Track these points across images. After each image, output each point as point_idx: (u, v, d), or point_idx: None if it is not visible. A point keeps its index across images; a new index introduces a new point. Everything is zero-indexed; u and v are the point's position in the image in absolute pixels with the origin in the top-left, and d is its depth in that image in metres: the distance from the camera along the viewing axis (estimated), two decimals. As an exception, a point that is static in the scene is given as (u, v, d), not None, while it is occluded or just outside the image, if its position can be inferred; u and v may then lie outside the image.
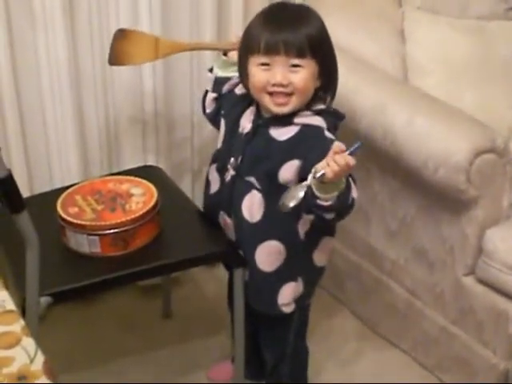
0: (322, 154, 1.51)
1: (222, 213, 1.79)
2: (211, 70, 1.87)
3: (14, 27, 2.00)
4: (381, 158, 2.04)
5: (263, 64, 1.61)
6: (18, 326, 1.10)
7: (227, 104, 1.80)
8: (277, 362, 1.93)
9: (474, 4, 2.40)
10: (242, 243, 1.76)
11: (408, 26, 2.31)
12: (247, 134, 1.70)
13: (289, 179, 1.63)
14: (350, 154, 1.47)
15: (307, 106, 1.66)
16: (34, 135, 2.14)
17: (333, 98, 1.72)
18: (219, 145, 1.80)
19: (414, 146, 1.88)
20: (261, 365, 2.00)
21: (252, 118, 1.71)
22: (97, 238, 1.71)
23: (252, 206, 1.69)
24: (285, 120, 1.66)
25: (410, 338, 2.19)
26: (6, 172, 1.40)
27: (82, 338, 2.25)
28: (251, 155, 1.69)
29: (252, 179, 1.69)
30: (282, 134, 1.66)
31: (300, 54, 1.59)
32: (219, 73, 1.84)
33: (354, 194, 1.57)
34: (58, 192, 1.85)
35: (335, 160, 1.45)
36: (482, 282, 1.92)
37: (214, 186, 1.81)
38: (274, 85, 1.61)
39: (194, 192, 2.38)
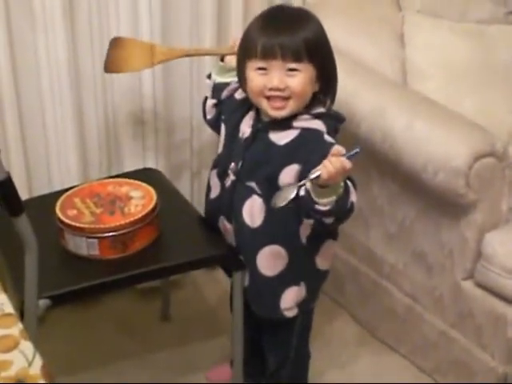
0: (321, 158, 1.51)
1: (222, 218, 1.79)
2: (209, 77, 1.87)
3: (14, 28, 2.00)
4: (380, 162, 2.04)
5: (260, 68, 1.61)
6: (16, 329, 1.10)
7: (227, 109, 1.80)
8: (279, 366, 1.93)
9: (473, 8, 2.40)
10: (243, 248, 1.76)
11: (408, 30, 2.31)
12: (247, 138, 1.70)
13: (289, 183, 1.63)
14: (348, 158, 1.47)
15: (306, 110, 1.66)
16: (33, 137, 2.14)
17: (332, 101, 1.72)
18: (220, 150, 1.80)
19: (414, 150, 1.88)
20: (260, 366, 2.00)
21: (251, 122, 1.71)
22: (96, 240, 1.71)
23: (253, 211, 1.69)
24: (284, 124, 1.66)
25: (409, 341, 2.19)
26: (5, 174, 1.39)
27: (81, 341, 2.25)
28: (251, 160, 1.69)
29: (252, 184, 1.68)
30: (281, 138, 1.66)
31: (296, 58, 1.59)
32: (217, 79, 1.84)
33: (353, 198, 1.57)
34: (57, 194, 1.85)
35: (331, 162, 1.45)
36: (480, 285, 1.92)
37: (215, 191, 1.81)
38: (270, 89, 1.61)
39: (193, 195, 2.38)
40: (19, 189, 1.47)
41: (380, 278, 2.22)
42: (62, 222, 1.74)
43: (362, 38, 2.29)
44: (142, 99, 2.18)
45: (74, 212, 1.76)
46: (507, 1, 2.47)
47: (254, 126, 1.70)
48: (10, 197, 1.44)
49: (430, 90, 2.16)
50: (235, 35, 1.89)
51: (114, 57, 1.89)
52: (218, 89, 1.84)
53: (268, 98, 1.62)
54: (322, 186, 1.49)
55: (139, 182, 1.87)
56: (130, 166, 2.19)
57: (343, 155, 1.47)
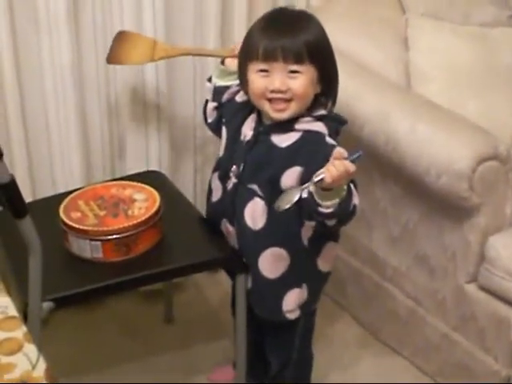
0: (323, 160, 1.52)
1: (224, 220, 1.79)
2: (210, 80, 1.87)
3: (18, 30, 2.00)
4: (383, 165, 2.04)
5: (262, 70, 1.61)
6: (20, 332, 1.10)
7: (228, 112, 1.81)
8: (281, 368, 1.93)
9: (477, 11, 2.40)
10: (246, 251, 1.76)
11: (411, 33, 2.31)
12: (249, 141, 1.70)
13: (291, 186, 1.63)
14: (351, 161, 1.47)
15: (308, 112, 1.67)
16: (36, 139, 2.14)
17: (334, 103, 1.72)
18: (221, 153, 1.80)
19: (417, 153, 1.88)
20: (263, 368, 2.00)
21: (253, 125, 1.71)
22: (99, 243, 1.71)
23: (254, 214, 1.69)
24: (286, 126, 1.66)
25: (411, 344, 2.19)
26: (9, 177, 1.40)
27: (84, 343, 2.25)
28: (253, 162, 1.69)
29: (254, 186, 1.69)
30: (283, 140, 1.66)
31: (298, 61, 1.59)
32: (218, 82, 1.84)
33: (356, 200, 1.57)
34: (61, 197, 1.85)
35: (334, 165, 1.45)
36: (484, 289, 1.92)
37: (216, 194, 1.81)
38: (272, 91, 1.61)
39: (196, 198, 2.38)
40: (23, 191, 1.47)
41: (383, 280, 2.22)
42: (65, 224, 1.74)
43: (365, 40, 2.29)
44: (145, 101, 2.18)
45: (78, 214, 1.76)
46: (510, 4, 2.47)
47: (255, 129, 1.70)
48: (14, 199, 1.44)
49: (433, 93, 2.16)
50: (237, 39, 1.89)
51: (117, 49, 1.94)
52: (218, 92, 1.84)
53: (270, 100, 1.63)
54: (325, 188, 1.49)
55: (142, 185, 1.87)
56: (133, 170, 2.19)
57: (346, 158, 1.47)
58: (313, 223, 1.64)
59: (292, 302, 1.76)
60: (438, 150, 1.85)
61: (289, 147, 1.65)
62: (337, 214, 1.54)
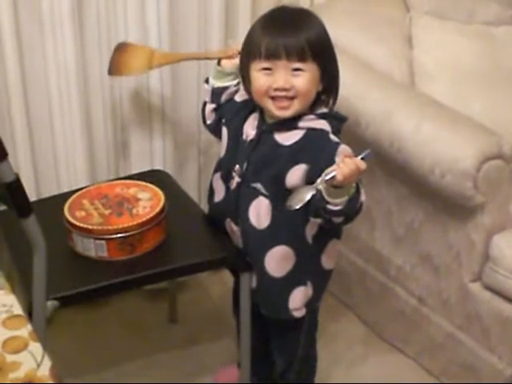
0: (328, 158, 1.54)
1: (228, 220, 1.79)
2: (207, 81, 1.87)
3: (23, 32, 2.00)
4: (387, 164, 2.04)
5: (265, 69, 1.61)
6: (25, 330, 1.10)
7: (228, 112, 1.81)
8: (287, 367, 1.93)
9: (481, 9, 2.40)
10: (251, 250, 1.76)
11: (415, 32, 2.31)
12: (252, 140, 1.70)
13: (296, 184, 1.63)
14: (361, 159, 1.48)
15: (310, 110, 1.67)
16: (41, 139, 2.15)
17: (335, 101, 1.72)
18: (222, 153, 1.80)
19: (421, 152, 1.88)
20: (267, 368, 2.00)
21: (256, 124, 1.71)
22: (104, 242, 1.72)
23: (259, 213, 1.69)
24: (289, 124, 1.66)
25: (415, 343, 2.19)
26: (14, 176, 1.40)
27: (88, 342, 2.25)
28: (257, 161, 1.69)
29: (258, 185, 1.69)
30: (287, 138, 1.66)
31: (301, 58, 1.59)
32: (216, 83, 1.83)
33: (363, 197, 1.58)
34: (65, 196, 1.85)
35: (346, 163, 1.46)
36: (488, 288, 1.92)
37: (219, 195, 1.81)
38: (276, 89, 1.61)
39: (200, 196, 2.38)
40: (28, 190, 1.48)
41: (387, 279, 2.22)
42: (70, 223, 1.74)
43: (369, 39, 2.29)
44: (149, 101, 2.19)
45: (83, 213, 1.76)
46: (515, 2, 2.47)
47: (258, 128, 1.70)
48: (18, 198, 1.44)
49: (437, 92, 2.16)
50: (242, 39, 1.89)
51: (116, 61, 1.98)
52: (216, 93, 1.84)
53: (273, 98, 1.63)
54: (335, 186, 1.50)
55: (147, 184, 1.88)
56: (137, 169, 2.20)
57: (356, 156, 1.48)
58: (319, 220, 1.65)
59: (298, 299, 1.76)
60: (443, 148, 1.85)
61: (293, 145, 1.65)
62: (345, 211, 1.55)
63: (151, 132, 2.23)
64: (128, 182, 1.92)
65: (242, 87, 1.79)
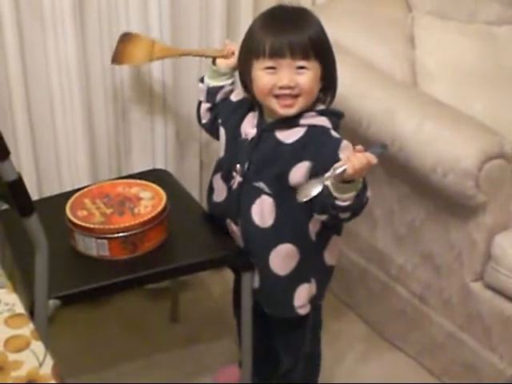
0: (332, 154, 1.56)
1: (228, 221, 1.80)
2: (202, 81, 1.87)
3: (24, 28, 2.00)
4: (389, 163, 2.04)
5: (269, 68, 1.61)
6: (27, 329, 1.11)
7: (224, 112, 1.81)
8: (293, 366, 1.93)
9: (482, 9, 2.40)
10: (254, 249, 1.76)
11: (417, 31, 2.31)
12: (253, 139, 1.70)
13: (299, 181, 1.63)
14: (372, 153, 1.50)
15: (311, 107, 1.67)
16: (43, 138, 2.15)
17: (333, 98, 1.72)
18: (221, 153, 1.80)
19: (423, 152, 1.88)
20: (269, 367, 2.00)
21: (255, 122, 1.71)
22: (105, 241, 1.72)
23: (263, 212, 1.69)
24: (290, 122, 1.66)
25: (417, 343, 2.19)
26: (16, 175, 1.40)
27: (90, 341, 2.25)
28: (258, 160, 1.69)
29: (261, 184, 1.69)
30: (288, 136, 1.66)
31: (305, 56, 1.60)
32: (211, 83, 1.84)
33: (369, 192, 1.59)
34: (67, 195, 1.85)
35: (357, 157, 1.47)
36: (490, 287, 1.92)
37: (220, 195, 1.81)
38: (281, 87, 1.61)
39: (202, 196, 2.38)
40: (30, 189, 1.48)
41: (388, 278, 2.22)
42: (71, 222, 1.74)
43: (371, 39, 2.29)
44: (151, 100, 2.19)
45: (84, 213, 1.76)
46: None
47: (259, 126, 1.70)
48: (20, 197, 1.45)
49: (439, 92, 2.16)
50: (226, 39, 1.90)
51: (119, 50, 2.00)
52: (212, 93, 1.84)
53: (277, 96, 1.63)
54: (343, 181, 1.51)
55: (149, 183, 1.88)
56: (139, 168, 2.20)
57: (367, 151, 1.49)
58: (324, 217, 1.65)
59: (303, 297, 1.77)
60: (444, 148, 1.85)
61: (295, 143, 1.65)
62: (353, 206, 1.56)
63: (153, 131, 2.23)
64: (130, 181, 1.92)
65: (237, 86, 1.80)
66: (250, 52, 1.65)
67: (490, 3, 2.41)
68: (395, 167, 2.03)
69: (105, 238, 1.72)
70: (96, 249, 1.73)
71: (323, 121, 1.66)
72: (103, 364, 2.17)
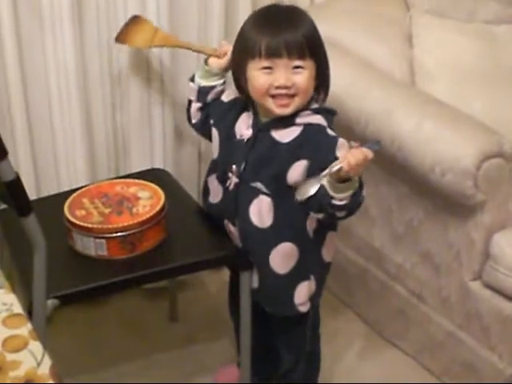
0: (329, 152, 1.57)
1: (226, 222, 1.80)
2: (192, 80, 1.86)
3: (22, 28, 2.00)
4: (388, 163, 2.04)
5: (265, 68, 1.61)
6: (25, 329, 1.10)
7: (216, 112, 1.81)
8: (294, 365, 1.93)
9: (481, 8, 2.39)
10: (253, 249, 1.76)
11: (416, 30, 2.31)
12: (249, 139, 1.70)
13: (297, 180, 1.64)
14: (368, 149, 1.50)
15: (305, 106, 1.67)
16: (41, 137, 2.14)
17: (326, 95, 1.72)
18: (215, 154, 1.80)
19: (422, 151, 1.88)
20: (268, 367, 2.00)
21: (250, 123, 1.71)
22: (104, 241, 1.72)
23: (261, 212, 1.69)
24: (286, 121, 1.66)
25: (416, 342, 2.18)
26: (14, 175, 1.40)
27: (88, 341, 2.25)
28: (255, 160, 1.69)
29: (258, 184, 1.69)
30: (285, 135, 1.66)
31: (301, 56, 1.60)
32: (202, 82, 1.83)
33: (364, 191, 1.59)
34: (65, 195, 1.86)
35: (353, 154, 1.47)
36: (488, 286, 1.92)
37: (216, 196, 1.81)
38: (277, 87, 1.61)
39: (200, 195, 2.38)
40: (28, 189, 1.48)
41: (387, 278, 2.22)
42: (70, 222, 1.74)
43: (369, 38, 2.29)
44: (149, 100, 2.18)
45: (83, 212, 1.76)
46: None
47: (254, 127, 1.70)
48: (18, 197, 1.45)
49: (438, 91, 2.16)
50: (224, 40, 1.90)
51: (124, 30, 2.03)
52: (203, 92, 1.83)
53: (273, 96, 1.63)
54: (340, 180, 1.51)
55: (147, 183, 1.88)
56: (137, 167, 2.19)
57: (363, 147, 1.50)
58: (320, 215, 1.65)
59: (303, 294, 1.77)
60: (443, 147, 1.85)
61: (292, 142, 1.65)
62: (349, 205, 1.56)
63: (151, 131, 2.23)
64: (128, 180, 1.92)
65: (228, 87, 1.80)
66: (244, 52, 1.65)
67: (489, 2, 2.41)
68: (394, 166, 2.03)
69: (103, 238, 1.72)
70: (94, 248, 1.73)
71: (319, 119, 1.66)
72: (102, 364, 2.17)
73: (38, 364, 1.03)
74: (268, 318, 1.87)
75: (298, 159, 1.63)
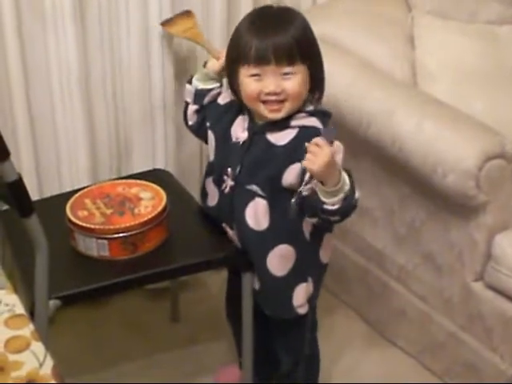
0: None
1: (224, 224, 1.80)
2: (190, 82, 1.86)
3: (24, 29, 2.00)
4: (389, 164, 2.04)
5: (254, 75, 1.61)
6: (27, 330, 1.11)
7: (212, 115, 1.80)
8: (293, 367, 1.93)
9: (483, 9, 2.39)
10: (250, 252, 1.75)
11: (417, 31, 2.31)
12: (244, 142, 1.70)
13: (293, 182, 1.64)
14: (325, 137, 1.51)
15: (300, 108, 1.67)
16: (43, 138, 2.15)
17: (321, 97, 1.71)
18: (211, 157, 1.80)
19: (423, 152, 1.88)
20: (269, 368, 2.00)
21: (246, 125, 1.71)
22: (106, 241, 1.72)
23: (257, 214, 1.69)
24: (281, 124, 1.66)
25: (417, 343, 2.18)
26: (16, 175, 1.40)
27: (90, 341, 2.25)
28: (250, 163, 1.69)
29: (253, 187, 1.68)
30: (280, 138, 1.66)
31: (290, 62, 1.59)
32: (200, 85, 1.83)
33: (357, 194, 1.59)
34: (68, 195, 1.86)
35: (310, 150, 1.50)
36: (490, 287, 1.92)
37: (213, 199, 1.81)
38: (267, 94, 1.61)
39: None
40: (30, 190, 1.48)
41: (389, 278, 2.22)
42: (72, 222, 1.74)
43: (371, 38, 2.29)
44: (151, 100, 2.19)
45: (85, 213, 1.76)
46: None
47: (250, 129, 1.70)
48: (20, 197, 1.45)
49: (439, 92, 2.15)
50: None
51: (171, 18, 2.11)
52: (200, 95, 1.83)
53: (264, 101, 1.63)
54: (323, 183, 1.52)
55: (149, 183, 1.88)
56: (139, 168, 2.20)
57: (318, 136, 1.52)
58: (314, 220, 1.65)
59: (301, 296, 1.77)
60: (445, 148, 1.85)
61: (287, 145, 1.65)
62: (342, 209, 1.56)
63: (153, 131, 2.23)
64: (130, 181, 1.92)
65: (225, 90, 1.81)
66: (236, 56, 1.65)
67: (491, 3, 2.41)
68: (395, 167, 2.03)
69: (105, 239, 1.72)
70: (96, 249, 1.73)
71: (314, 121, 1.66)
72: (103, 364, 2.17)
73: (40, 364, 1.03)
74: (267, 321, 1.87)
75: (294, 162, 1.63)
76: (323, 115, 1.69)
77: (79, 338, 2.25)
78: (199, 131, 1.87)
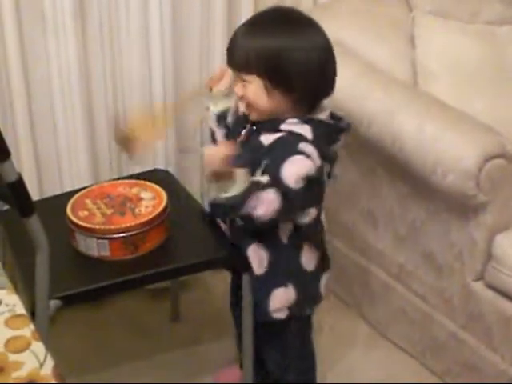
0: (274, 162, 1.58)
1: (218, 219, 1.82)
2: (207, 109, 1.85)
3: (25, 32, 2.01)
4: (390, 164, 2.04)
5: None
6: (27, 330, 1.11)
7: (233, 127, 1.80)
8: (281, 373, 1.92)
9: (484, 9, 2.39)
10: (239, 246, 1.78)
11: (418, 31, 2.31)
12: (241, 140, 1.71)
13: None
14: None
15: (297, 114, 1.64)
16: (44, 138, 2.15)
17: (312, 108, 1.65)
18: None
19: (423, 152, 1.88)
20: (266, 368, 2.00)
21: (247, 125, 1.71)
22: (106, 241, 1.72)
23: None
24: (273, 126, 1.65)
25: (418, 343, 2.18)
26: (17, 176, 1.40)
27: (91, 341, 2.26)
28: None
29: None
30: (268, 139, 1.65)
31: (242, 69, 1.61)
32: (215, 110, 1.81)
33: (260, 212, 1.58)
34: (68, 195, 1.86)
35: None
36: (491, 287, 1.92)
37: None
38: None
39: (202, 196, 2.38)
40: (30, 190, 1.48)
41: (390, 278, 2.22)
42: (72, 222, 1.74)
43: (372, 38, 2.29)
44: (152, 100, 2.19)
45: (85, 213, 1.76)
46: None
47: (247, 129, 1.71)
48: (21, 198, 1.45)
49: (440, 92, 2.16)
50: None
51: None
52: (221, 118, 1.81)
53: None
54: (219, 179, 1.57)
55: (149, 183, 1.88)
56: (140, 168, 2.19)
57: None
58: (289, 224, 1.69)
59: (277, 301, 1.76)
60: (445, 148, 1.85)
61: (268, 145, 1.65)
62: (228, 207, 1.59)
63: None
64: (130, 181, 1.92)
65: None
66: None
67: (492, 3, 2.41)
68: (396, 167, 2.03)
69: (106, 239, 1.72)
70: (97, 249, 1.73)
71: (304, 129, 1.62)
72: (104, 364, 2.17)
73: (41, 364, 1.03)
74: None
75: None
76: (326, 127, 1.65)
77: (80, 337, 2.25)
78: None
